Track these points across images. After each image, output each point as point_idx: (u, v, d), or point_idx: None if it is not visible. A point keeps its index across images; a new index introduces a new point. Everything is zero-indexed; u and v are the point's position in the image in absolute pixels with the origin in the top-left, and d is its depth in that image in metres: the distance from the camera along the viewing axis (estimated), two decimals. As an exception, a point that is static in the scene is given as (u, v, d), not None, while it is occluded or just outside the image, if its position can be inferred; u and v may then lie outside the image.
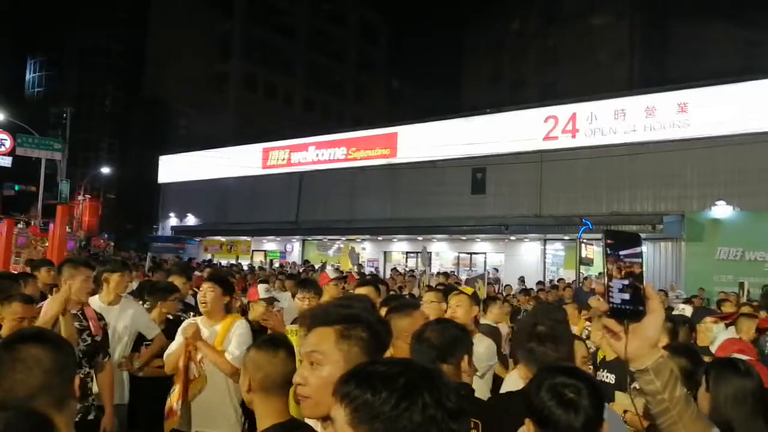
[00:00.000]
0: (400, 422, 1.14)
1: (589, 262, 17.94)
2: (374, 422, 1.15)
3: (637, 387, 1.55)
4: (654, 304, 1.50)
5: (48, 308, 3.77)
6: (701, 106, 19.87)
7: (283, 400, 2.37)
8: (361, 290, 4.84)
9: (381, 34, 64.36)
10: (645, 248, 22.08)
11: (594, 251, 18.44)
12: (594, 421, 1.82)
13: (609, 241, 1.51)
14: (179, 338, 4.38)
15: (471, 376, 2.65)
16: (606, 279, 1.51)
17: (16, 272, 7.25)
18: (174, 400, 4.16)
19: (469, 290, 5.02)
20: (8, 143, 24.53)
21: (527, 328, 2.61)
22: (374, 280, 6.08)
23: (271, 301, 5.74)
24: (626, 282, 1.49)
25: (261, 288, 6.00)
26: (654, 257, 21.33)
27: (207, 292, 4.47)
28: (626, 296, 1.49)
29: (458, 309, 4.60)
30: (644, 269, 1.53)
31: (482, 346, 4.43)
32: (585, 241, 17.75)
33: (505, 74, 47.90)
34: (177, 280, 6.53)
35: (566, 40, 43.04)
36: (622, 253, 1.51)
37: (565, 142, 22.60)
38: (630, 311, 1.48)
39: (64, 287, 4.26)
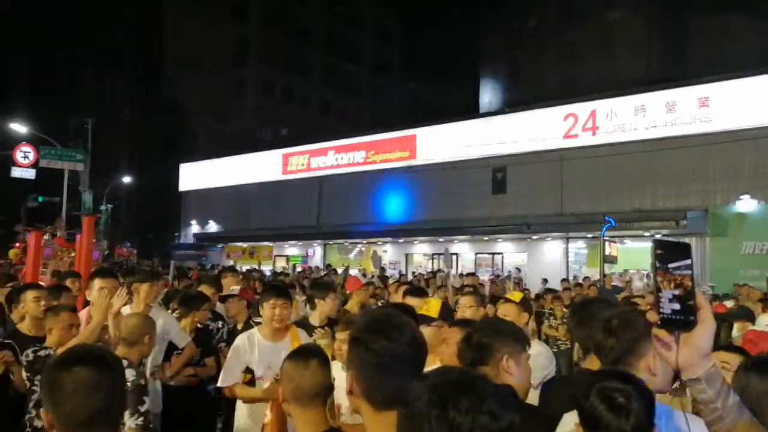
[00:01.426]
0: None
1: (612, 260, 17.83)
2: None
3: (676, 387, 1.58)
4: (705, 314, 1.52)
5: (94, 316, 3.88)
6: (723, 99, 19.69)
7: (318, 410, 2.39)
8: (411, 301, 4.61)
9: (396, 35, 64.31)
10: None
11: (617, 249, 18.32)
12: (644, 426, 1.84)
13: (659, 252, 1.53)
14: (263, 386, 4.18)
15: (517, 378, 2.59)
16: (655, 289, 1.52)
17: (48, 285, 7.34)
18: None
19: (517, 296, 4.88)
20: (32, 155, 24.87)
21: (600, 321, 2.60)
22: (422, 290, 5.88)
23: None
24: (676, 292, 1.50)
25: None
26: (678, 253, 21.14)
27: (281, 309, 4.38)
28: (677, 306, 1.50)
29: (506, 318, 4.28)
30: (693, 278, 1.55)
31: (539, 355, 4.03)
32: (608, 238, 17.62)
33: (522, 72, 47.65)
34: (207, 290, 6.56)
35: (583, 36, 42.72)
36: (671, 265, 1.52)
37: (585, 139, 22.50)
38: (681, 321, 1.50)
39: (101, 295, 4.38)
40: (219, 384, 4.42)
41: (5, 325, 5.47)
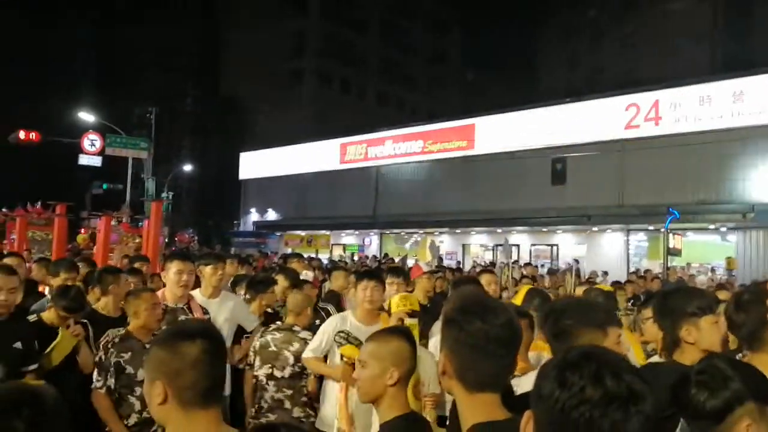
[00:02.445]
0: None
1: (676, 253, 17.40)
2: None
3: None
4: None
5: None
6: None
7: (403, 392, 2.40)
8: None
9: (453, 25, 63.84)
10: (735, 237, 21.40)
11: (682, 241, 17.88)
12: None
13: None
14: (335, 363, 4.40)
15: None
16: None
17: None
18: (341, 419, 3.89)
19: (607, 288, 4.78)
20: (98, 143, 25.55)
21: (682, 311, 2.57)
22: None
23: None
24: None
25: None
26: (745, 247, 20.55)
27: (373, 292, 4.52)
28: None
29: None
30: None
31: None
32: (672, 230, 17.22)
33: (582, 62, 46.87)
34: (281, 281, 6.56)
35: (645, 25, 41.72)
36: None
37: (647, 130, 21.99)
38: None
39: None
40: (303, 355, 4.60)
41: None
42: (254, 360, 4.88)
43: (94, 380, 4.01)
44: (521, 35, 53.70)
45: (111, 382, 3.96)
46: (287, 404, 4.68)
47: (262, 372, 4.80)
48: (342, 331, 4.44)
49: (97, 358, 4.06)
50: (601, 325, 2.15)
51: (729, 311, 2.38)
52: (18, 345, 3.81)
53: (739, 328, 2.31)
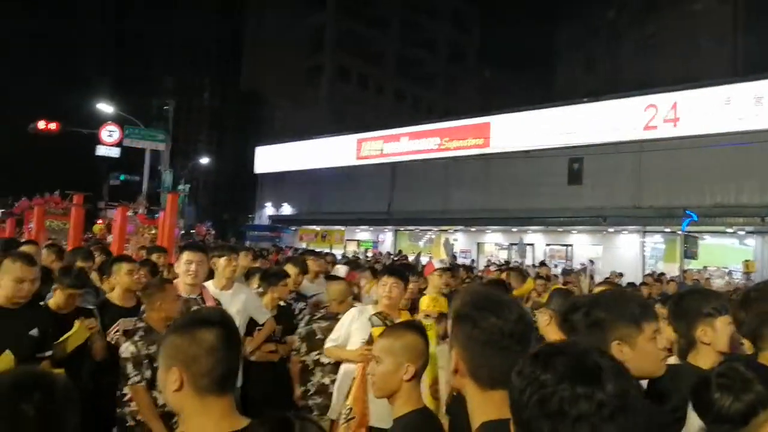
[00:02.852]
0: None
1: (693, 255, 17.27)
2: None
3: None
4: None
5: None
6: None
7: (417, 387, 2.42)
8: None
9: (472, 23, 63.64)
10: (753, 241, 21.20)
11: (699, 244, 17.73)
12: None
13: None
14: (355, 344, 4.48)
15: None
16: None
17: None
18: (354, 405, 3.89)
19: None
20: (116, 134, 25.68)
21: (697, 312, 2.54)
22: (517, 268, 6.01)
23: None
24: None
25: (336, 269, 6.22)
26: (763, 251, 20.37)
27: (392, 288, 4.57)
28: None
29: None
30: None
31: None
32: (689, 233, 17.08)
33: (600, 62, 46.54)
34: (291, 270, 6.65)
35: (665, 26, 41.34)
36: None
37: (666, 131, 21.80)
38: None
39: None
40: (325, 345, 4.79)
41: (98, 294, 5.70)
42: (300, 346, 5.31)
43: (130, 375, 3.96)
44: (540, 34, 53.42)
45: (148, 374, 3.93)
46: (332, 389, 4.88)
47: (309, 358, 5.16)
48: (380, 312, 4.48)
49: (128, 353, 4.01)
50: (636, 319, 2.07)
51: (734, 309, 2.35)
52: (34, 332, 3.85)
53: (743, 326, 2.27)
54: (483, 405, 1.68)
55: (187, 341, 1.82)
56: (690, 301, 2.68)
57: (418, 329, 2.54)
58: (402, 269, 5.22)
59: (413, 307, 5.39)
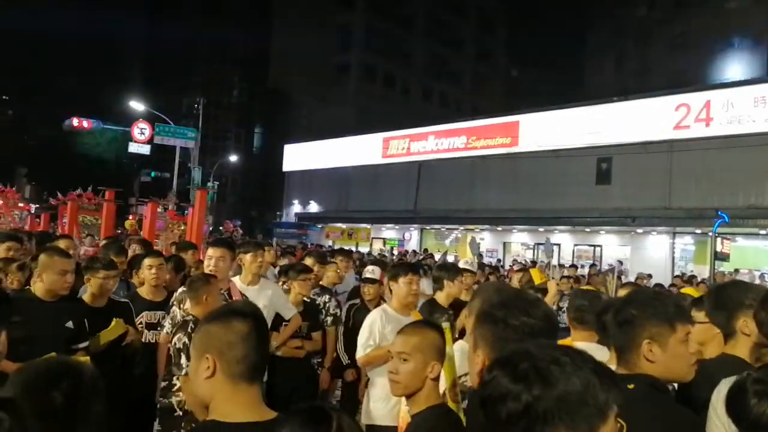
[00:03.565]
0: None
1: (724, 257, 17.00)
2: None
3: None
4: None
5: None
6: None
7: (437, 385, 2.42)
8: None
9: (499, 22, 63.34)
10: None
11: (730, 246, 17.45)
12: None
13: None
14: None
15: None
16: None
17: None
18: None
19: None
20: (147, 132, 26.03)
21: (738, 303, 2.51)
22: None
23: (371, 282, 5.99)
24: None
25: (366, 270, 6.20)
26: (796, 254, 20.00)
27: (418, 285, 4.77)
28: None
29: None
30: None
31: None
32: (721, 234, 16.82)
33: (630, 62, 46.01)
34: (309, 262, 6.66)
35: (697, 25, 40.75)
36: None
37: (697, 131, 21.48)
38: None
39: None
40: (356, 356, 4.75)
41: (129, 287, 5.82)
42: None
43: (183, 365, 3.98)
44: (569, 33, 52.88)
45: None
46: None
47: None
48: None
49: (181, 344, 4.04)
50: (669, 319, 2.06)
51: (756, 310, 2.32)
52: (70, 324, 3.97)
53: (764, 326, 2.24)
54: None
55: (223, 329, 1.89)
56: (731, 292, 2.66)
57: (438, 328, 2.55)
58: (416, 265, 5.28)
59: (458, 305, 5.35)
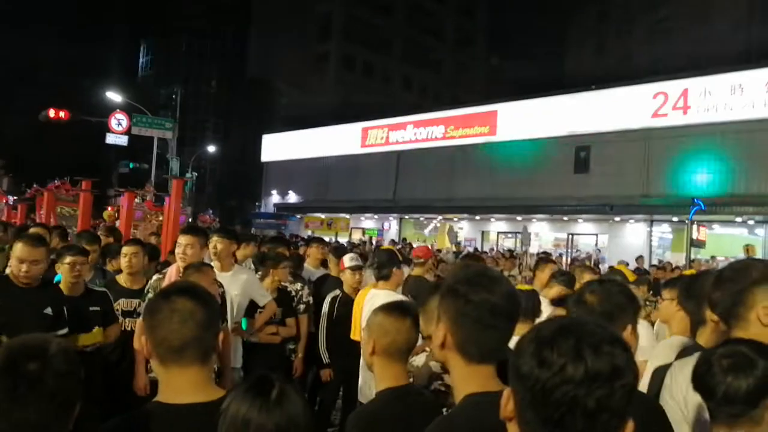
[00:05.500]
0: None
1: (700, 245, 17.16)
2: None
3: None
4: None
5: None
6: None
7: (402, 366, 2.41)
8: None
9: (479, 9, 63.22)
10: (762, 231, 21.07)
11: (706, 233, 17.62)
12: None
13: None
14: None
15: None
16: None
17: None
18: None
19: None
20: (125, 123, 25.72)
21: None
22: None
23: (358, 269, 5.93)
24: None
25: (347, 257, 6.17)
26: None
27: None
28: None
29: None
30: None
31: (644, 338, 3.29)
32: (697, 222, 16.96)
33: (610, 49, 46.24)
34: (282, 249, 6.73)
35: (678, 12, 41.00)
36: None
37: (675, 119, 21.65)
38: None
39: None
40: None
41: (105, 275, 5.78)
42: None
43: None
44: (549, 21, 52.90)
45: None
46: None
47: None
48: None
49: None
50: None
51: (709, 289, 2.34)
52: (48, 311, 3.96)
53: (717, 305, 2.27)
54: (468, 378, 1.69)
55: (152, 309, 1.90)
56: (703, 281, 2.69)
57: (411, 313, 2.59)
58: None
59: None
